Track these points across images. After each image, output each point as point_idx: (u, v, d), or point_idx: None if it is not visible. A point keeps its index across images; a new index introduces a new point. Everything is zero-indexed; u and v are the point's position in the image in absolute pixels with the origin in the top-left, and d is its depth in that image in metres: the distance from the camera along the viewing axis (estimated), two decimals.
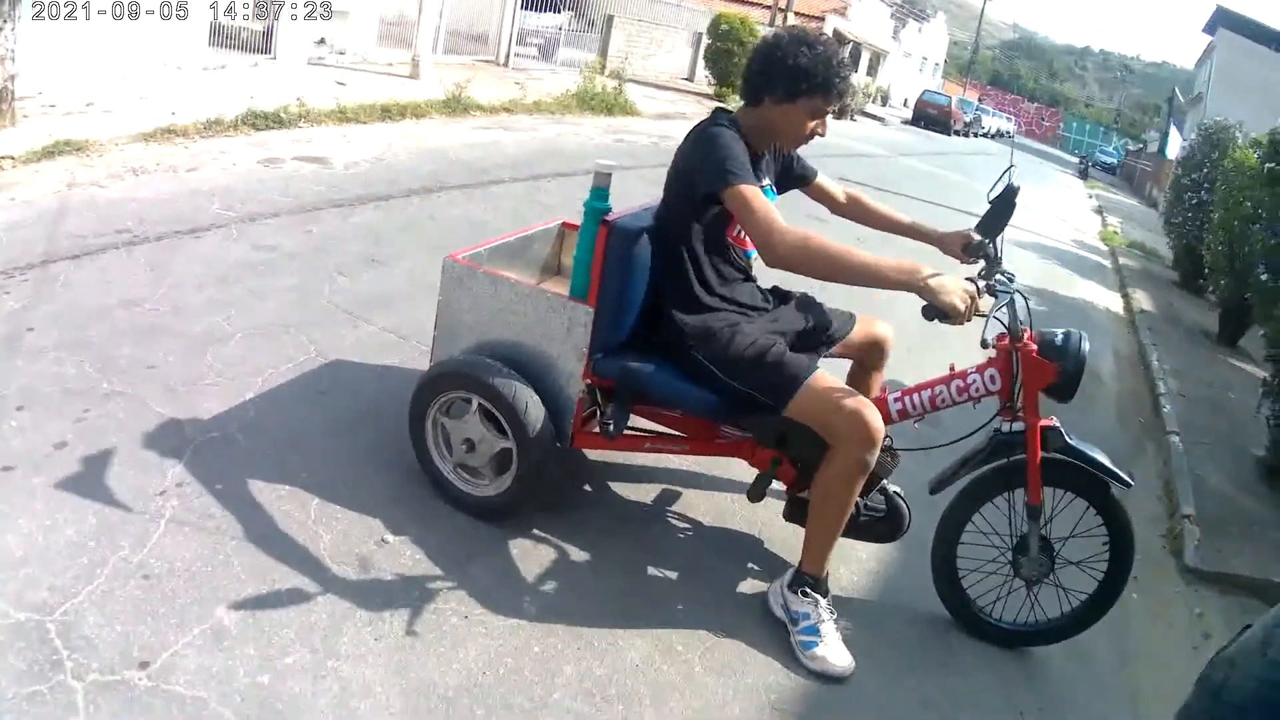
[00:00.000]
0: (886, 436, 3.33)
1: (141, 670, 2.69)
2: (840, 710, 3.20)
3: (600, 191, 3.40)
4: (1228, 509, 5.42)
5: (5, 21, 8.07)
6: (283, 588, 3.14)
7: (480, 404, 3.49)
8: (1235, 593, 4.59)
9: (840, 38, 41.85)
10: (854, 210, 3.95)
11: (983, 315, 3.08)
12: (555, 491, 3.87)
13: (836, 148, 21.06)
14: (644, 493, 4.23)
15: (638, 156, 12.70)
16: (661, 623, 3.39)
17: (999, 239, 3.45)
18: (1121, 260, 14.89)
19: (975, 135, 45.78)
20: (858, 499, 3.35)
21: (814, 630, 3.29)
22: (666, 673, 3.16)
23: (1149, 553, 4.79)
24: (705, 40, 26.67)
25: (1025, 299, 3.33)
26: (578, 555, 3.68)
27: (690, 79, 29.46)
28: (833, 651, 3.27)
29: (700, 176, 3.21)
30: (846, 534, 3.45)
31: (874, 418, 3.12)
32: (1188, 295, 13.16)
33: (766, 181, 3.50)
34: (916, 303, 3.03)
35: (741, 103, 3.47)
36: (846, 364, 4.02)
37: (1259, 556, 4.83)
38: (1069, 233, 17.63)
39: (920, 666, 3.52)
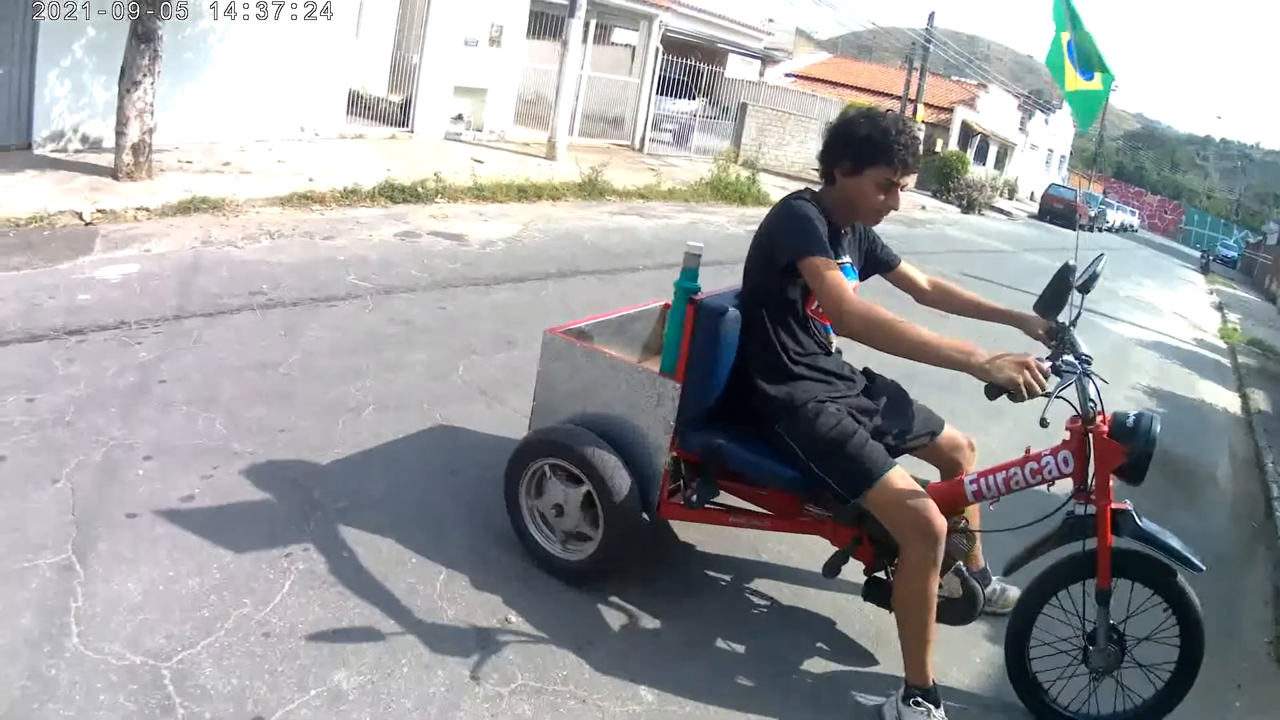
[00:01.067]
0: (962, 519, 3.57)
1: None
2: None
3: (690, 272, 3.66)
4: None
5: (145, 76, 8.73)
6: (403, 658, 3.26)
7: (572, 472, 3.73)
8: None
9: (968, 129, 42.04)
10: (938, 297, 4.07)
11: (1047, 395, 3.13)
12: (639, 560, 3.99)
13: (963, 243, 21.12)
14: (768, 586, 4.27)
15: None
16: (779, 717, 3.42)
17: (1074, 321, 3.60)
18: (1240, 359, 14.46)
19: (1100, 230, 45.22)
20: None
21: None
22: None
23: (1254, 659, 4.70)
24: None
25: (1095, 380, 3.40)
26: (701, 645, 3.72)
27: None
28: None
29: (779, 247, 3.46)
30: None
31: (936, 518, 3.26)
32: None
33: (847, 259, 3.67)
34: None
35: (823, 184, 3.68)
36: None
37: None
38: (1189, 331, 17.19)
39: None
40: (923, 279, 4.09)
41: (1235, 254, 53.61)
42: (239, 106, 11.67)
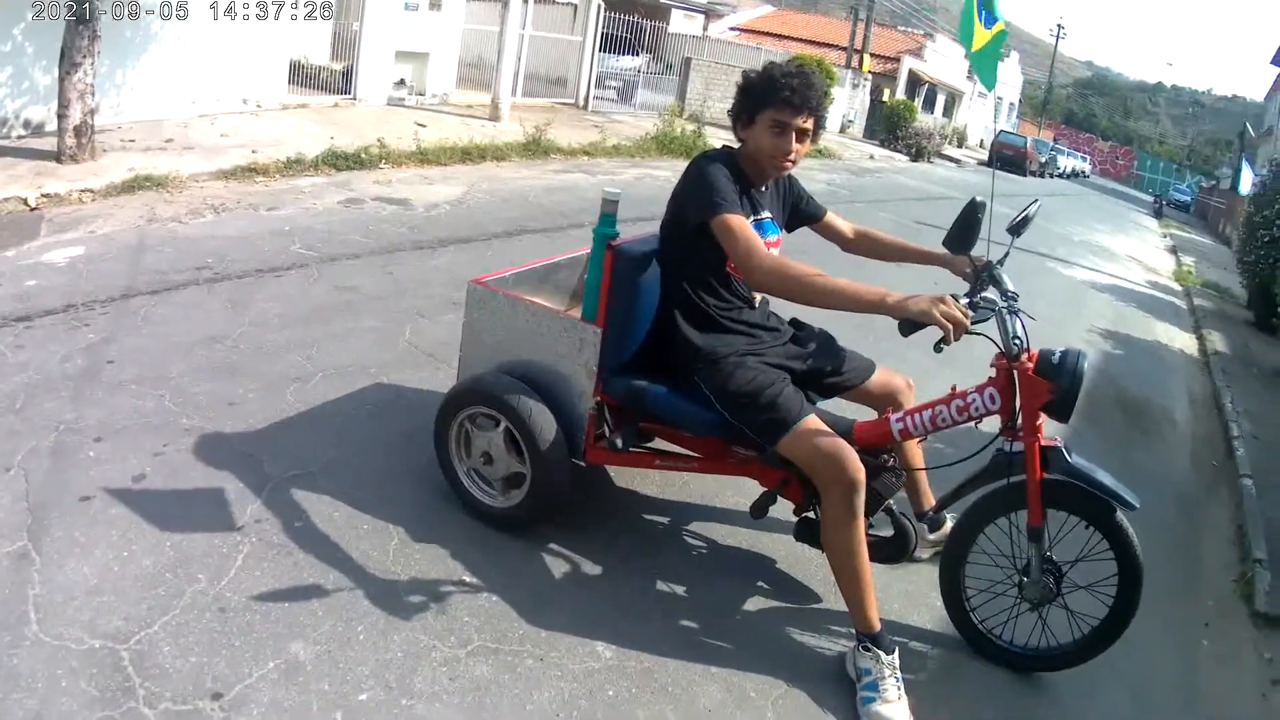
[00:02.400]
0: (889, 456, 3.62)
1: (214, 701, 2.81)
2: None
3: (608, 218, 3.65)
4: None
5: (85, 57, 8.52)
6: (359, 625, 3.25)
7: (499, 421, 3.76)
8: None
9: (915, 79, 42.19)
10: (864, 245, 4.10)
11: (976, 333, 3.16)
12: (567, 507, 3.98)
13: (911, 190, 21.18)
14: (706, 529, 4.30)
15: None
16: (735, 666, 3.43)
17: (1001, 260, 3.61)
18: (1196, 300, 14.66)
19: (1051, 176, 45.67)
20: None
21: (874, 686, 3.32)
22: (738, 719, 3.20)
23: (1220, 597, 4.78)
24: None
25: (1021, 317, 3.41)
26: (654, 598, 3.74)
27: None
28: (891, 708, 3.26)
29: (690, 207, 3.47)
30: None
31: (853, 463, 3.26)
32: (1262, 335, 12.96)
33: (766, 215, 3.68)
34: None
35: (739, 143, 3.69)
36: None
37: None
38: (1144, 274, 17.40)
39: (983, 700, 3.57)
40: (847, 228, 4.12)
41: (1188, 198, 53.88)
42: (180, 82, 11.42)
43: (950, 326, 2.94)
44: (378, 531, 3.79)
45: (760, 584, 3.98)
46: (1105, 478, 3.39)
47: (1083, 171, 55.22)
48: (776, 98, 3.43)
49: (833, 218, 4.08)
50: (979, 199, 3.40)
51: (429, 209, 9.35)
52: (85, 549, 3.38)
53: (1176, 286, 16.41)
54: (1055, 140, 61.37)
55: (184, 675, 2.88)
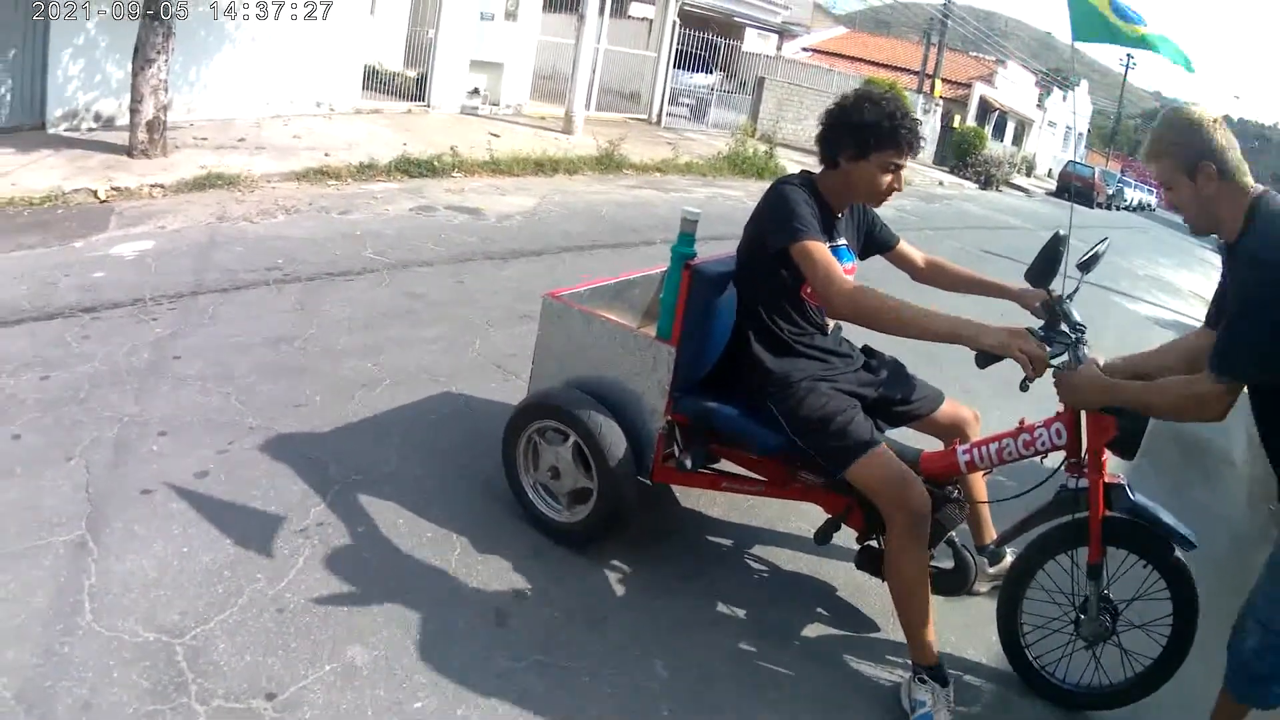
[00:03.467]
0: (954, 488, 3.64)
1: (268, 701, 2.81)
2: None
3: (686, 237, 3.69)
4: None
5: (159, 54, 8.69)
6: (417, 633, 3.24)
7: (569, 436, 3.79)
8: None
9: (986, 105, 41.87)
10: (934, 275, 4.09)
11: (1049, 365, 3.12)
12: (632, 524, 3.95)
13: (979, 219, 20.93)
14: (769, 554, 4.26)
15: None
16: (790, 692, 3.40)
17: (1071, 295, 3.58)
18: None
19: (1117, 208, 45.12)
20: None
21: (928, 718, 3.31)
22: None
23: None
24: None
25: (1088, 351, 3.40)
26: (712, 620, 3.71)
27: None
28: None
29: (770, 233, 3.47)
30: None
31: (919, 493, 3.30)
32: None
33: (842, 242, 3.69)
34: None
35: (822, 167, 3.66)
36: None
37: None
38: (1205, 311, 16.90)
39: None
40: (920, 257, 4.10)
41: None
42: (254, 83, 11.65)
43: (1029, 363, 2.95)
44: (440, 540, 3.79)
45: (820, 610, 3.94)
46: (1166, 516, 3.36)
47: (1149, 205, 54.36)
48: (898, 140, 3.44)
49: (905, 246, 4.07)
50: (1062, 233, 3.41)
51: (501, 219, 9.41)
52: (144, 542, 3.41)
53: None
54: (1123, 172, 60.48)
55: (238, 673, 2.89)
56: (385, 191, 9.58)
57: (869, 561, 3.70)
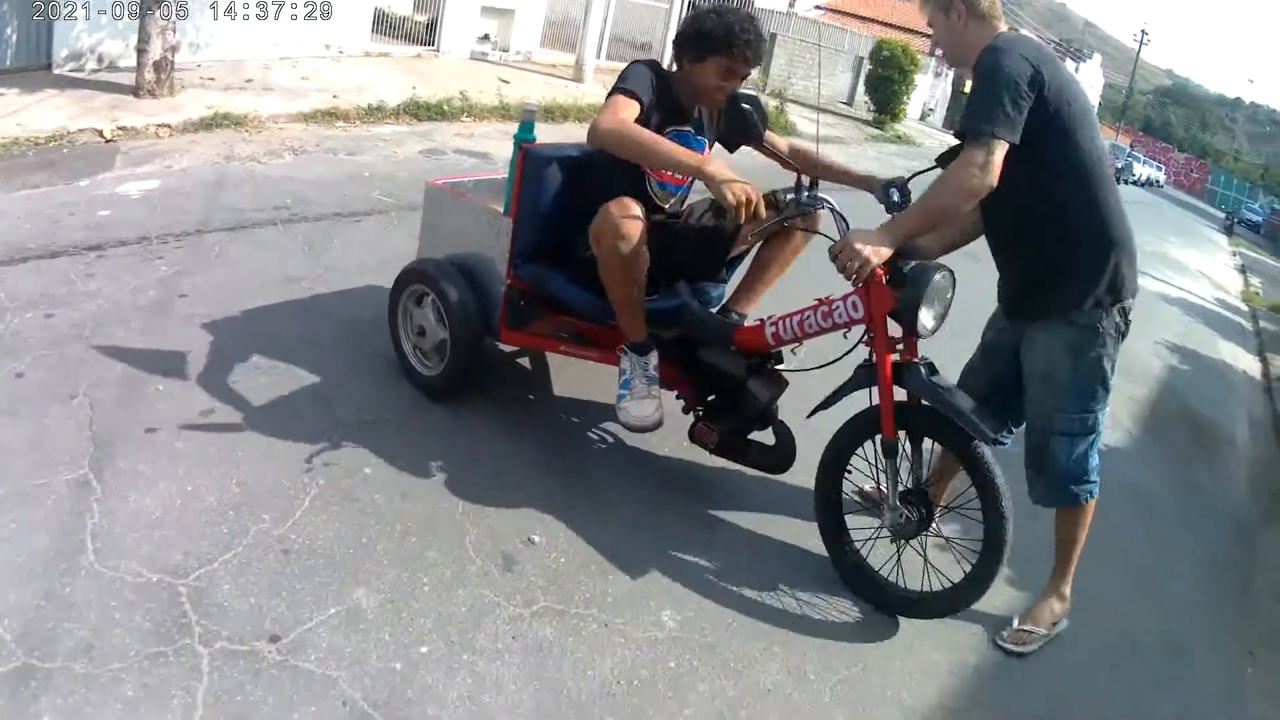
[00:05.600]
0: (770, 359, 3.88)
1: (272, 643, 2.74)
2: None
3: (526, 125, 4.08)
4: None
5: None
6: (424, 577, 3.17)
7: (429, 297, 4.23)
8: None
9: None
10: (798, 162, 3.99)
11: (760, 218, 3.40)
12: (480, 377, 4.40)
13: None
14: (790, 506, 4.18)
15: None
16: (798, 646, 3.35)
17: (898, 182, 3.71)
18: (1261, 323, 14.11)
19: (1126, 182, 44.82)
20: (749, 432, 3.93)
21: (626, 384, 3.82)
22: (797, 701, 3.10)
23: (1269, 625, 4.59)
24: (866, 65, 27.06)
25: (839, 215, 3.60)
26: (723, 570, 3.65)
27: (849, 103, 29.72)
28: (636, 405, 3.78)
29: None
30: (739, 461, 4.03)
31: (619, 216, 3.52)
32: None
33: (688, 128, 4.00)
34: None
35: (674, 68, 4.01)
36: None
37: None
38: (1212, 291, 17.09)
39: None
40: (784, 145, 4.18)
41: (1260, 219, 51.91)
42: (263, 24, 11.43)
43: (733, 203, 3.25)
44: (449, 483, 3.71)
45: (828, 561, 3.86)
46: (963, 402, 3.32)
47: (1158, 181, 54.02)
48: (733, 50, 3.77)
49: (772, 136, 4.05)
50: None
51: (509, 164, 9.22)
52: (148, 481, 3.32)
53: (1243, 307, 15.88)
54: (1132, 146, 60.01)
55: (242, 615, 2.82)
56: (394, 134, 9.43)
57: (698, 436, 3.92)
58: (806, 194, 3.57)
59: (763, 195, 3.37)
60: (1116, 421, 6.70)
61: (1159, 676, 3.77)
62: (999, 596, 3.85)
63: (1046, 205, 3.33)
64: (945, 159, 3.51)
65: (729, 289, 4.37)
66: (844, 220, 3.56)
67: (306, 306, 4.98)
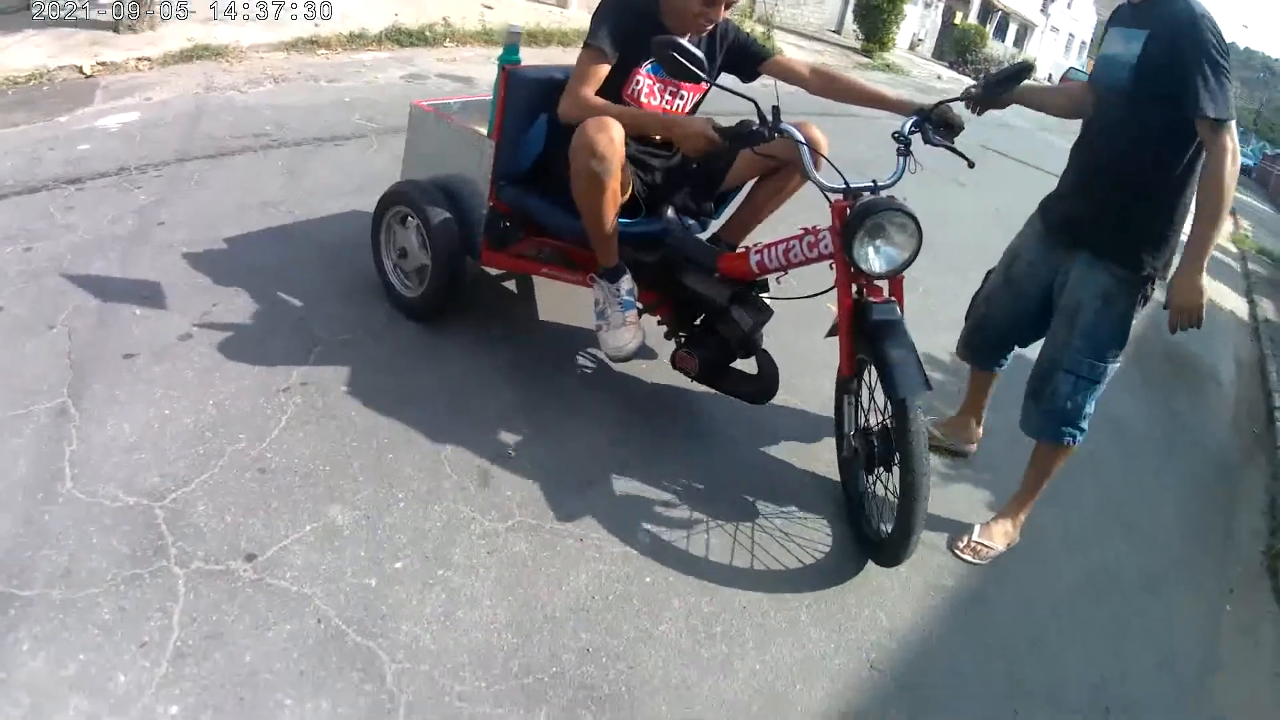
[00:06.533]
0: (755, 287, 3.77)
1: (248, 562, 2.71)
2: (937, 678, 3.11)
3: (511, 48, 3.96)
4: None
5: None
6: (400, 493, 3.15)
7: (412, 219, 4.15)
8: None
9: (989, 5, 41.10)
10: (823, 84, 3.94)
11: (724, 146, 3.36)
12: (463, 301, 4.32)
13: (979, 119, 20.60)
14: (768, 437, 4.13)
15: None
16: (774, 567, 3.33)
17: (932, 111, 3.58)
18: (1250, 265, 13.73)
19: None
20: (731, 360, 3.83)
21: (601, 314, 3.77)
22: (773, 618, 3.09)
23: (1247, 566, 4.56)
24: None
25: (801, 144, 3.38)
26: (699, 491, 3.62)
27: (838, 31, 29.18)
28: (612, 334, 3.72)
29: None
30: (721, 389, 3.88)
31: (595, 132, 3.37)
32: None
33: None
34: None
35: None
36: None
37: None
38: None
39: (1010, 647, 3.40)
40: (804, 67, 3.99)
41: (1252, 163, 50.98)
42: None
43: (687, 140, 3.37)
44: (426, 400, 3.67)
45: (810, 484, 3.88)
46: (895, 352, 3.13)
47: None
48: None
49: (786, 58, 3.98)
50: (1032, 61, 3.28)
51: (491, 87, 9.09)
52: (125, 406, 3.27)
53: (1233, 249, 15.53)
54: None
55: (218, 535, 2.79)
56: (375, 60, 9.24)
57: (679, 363, 3.85)
58: (770, 126, 3.33)
59: (725, 128, 3.31)
60: None
61: (1138, 612, 3.78)
62: (978, 516, 3.93)
63: (1169, 169, 3.30)
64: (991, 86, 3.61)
65: (721, 221, 4.29)
66: (807, 148, 3.36)
67: (284, 230, 4.89)
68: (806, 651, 3.01)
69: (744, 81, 3.92)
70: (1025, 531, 3.88)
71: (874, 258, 3.17)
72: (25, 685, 2.26)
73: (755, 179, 4.07)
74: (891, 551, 3.29)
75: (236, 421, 3.29)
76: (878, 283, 3.29)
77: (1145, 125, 3.17)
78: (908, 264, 3.19)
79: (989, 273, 4.02)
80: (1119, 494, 4.74)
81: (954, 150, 3.52)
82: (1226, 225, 19.15)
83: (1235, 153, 3.08)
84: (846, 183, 3.26)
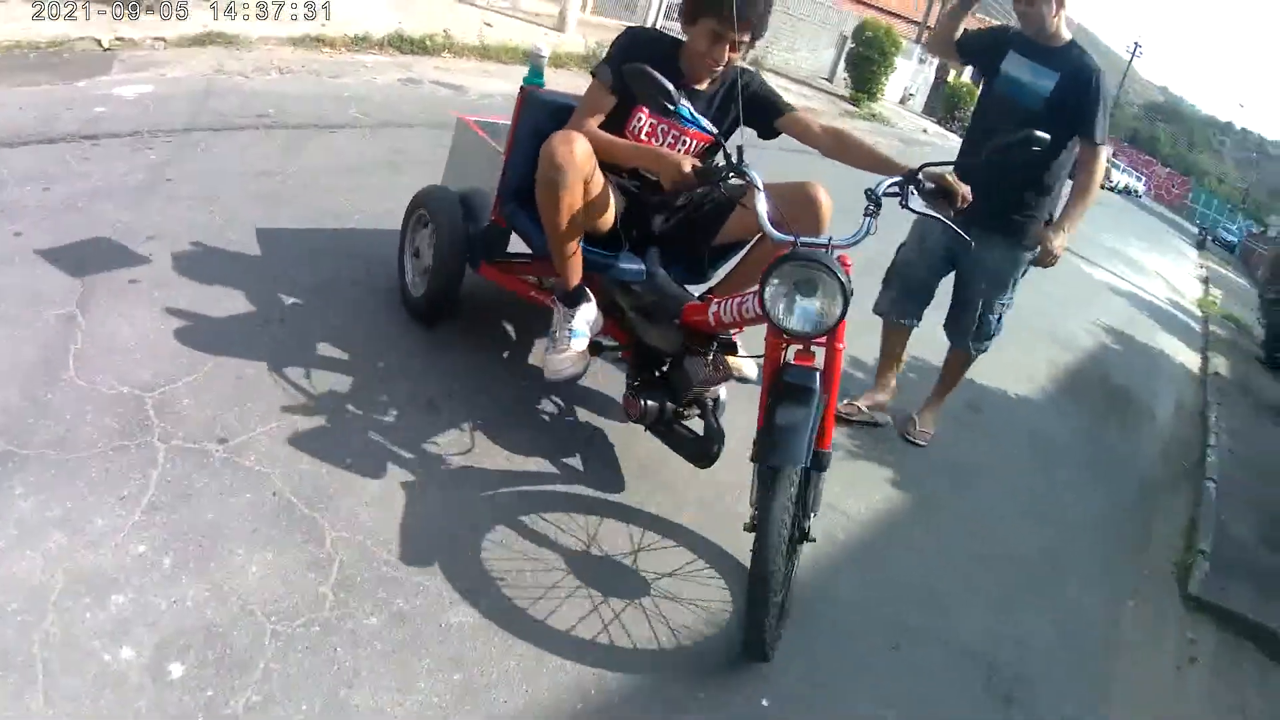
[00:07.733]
0: (714, 343, 3.45)
1: (220, 444, 3.12)
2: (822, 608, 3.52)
3: (534, 69, 4.04)
4: (1244, 557, 5.23)
5: None
6: (357, 400, 3.61)
7: (429, 223, 4.25)
8: (1231, 629, 4.49)
9: None
10: (834, 145, 3.71)
11: (691, 190, 3.47)
12: (457, 303, 4.31)
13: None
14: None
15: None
16: (692, 494, 3.73)
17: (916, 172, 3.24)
18: (1212, 328, 13.84)
19: (1103, 187, 44.21)
20: (677, 414, 3.54)
21: (551, 335, 3.60)
22: (727, 501, 3.50)
23: (1156, 572, 4.83)
24: (849, 44, 26.87)
25: (757, 189, 3.15)
26: (635, 430, 3.95)
27: (830, 79, 29.59)
28: (553, 358, 3.52)
29: None
30: (667, 443, 3.61)
31: (558, 143, 3.33)
32: (1269, 374, 12.06)
33: (686, 104, 3.21)
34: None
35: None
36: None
37: (1264, 606, 4.67)
38: (1167, 291, 16.71)
39: (901, 597, 3.73)
40: (819, 126, 3.77)
41: (1235, 239, 50.04)
42: None
43: (662, 172, 3.31)
44: (388, 339, 4.12)
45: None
46: (785, 417, 2.87)
47: (1135, 190, 52.54)
48: (719, 9, 3.37)
49: (802, 115, 3.81)
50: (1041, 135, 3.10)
51: (482, 97, 9.54)
52: (127, 319, 3.67)
53: (1197, 312, 15.56)
54: (1114, 154, 59.04)
55: (198, 422, 3.19)
56: (376, 63, 9.66)
57: (624, 406, 3.64)
58: (729, 166, 3.16)
59: (700, 166, 3.23)
60: (1033, 379, 7.06)
61: (1046, 586, 4.14)
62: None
63: (1047, 166, 4.44)
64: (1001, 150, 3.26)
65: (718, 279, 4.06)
66: (762, 192, 3.12)
67: (278, 195, 5.29)
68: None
69: (762, 138, 3.79)
70: (927, 506, 4.49)
71: (786, 315, 2.92)
72: (14, 521, 2.62)
73: (757, 237, 3.75)
74: (752, 637, 2.98)
75: (222, 340, 3.70)
76: (814, 347, 3.01)
77: (1054, 142, 3.66)
78: (829, 326, 2.92)
79: (901, 246, 4.98)
80: (1037, 493, 5.14)
81: (949, 224, 3.36)
82: (1195, 290, 19.18)
83: (1104, 162, 4.48)
84: (796, 237, 3.00)
